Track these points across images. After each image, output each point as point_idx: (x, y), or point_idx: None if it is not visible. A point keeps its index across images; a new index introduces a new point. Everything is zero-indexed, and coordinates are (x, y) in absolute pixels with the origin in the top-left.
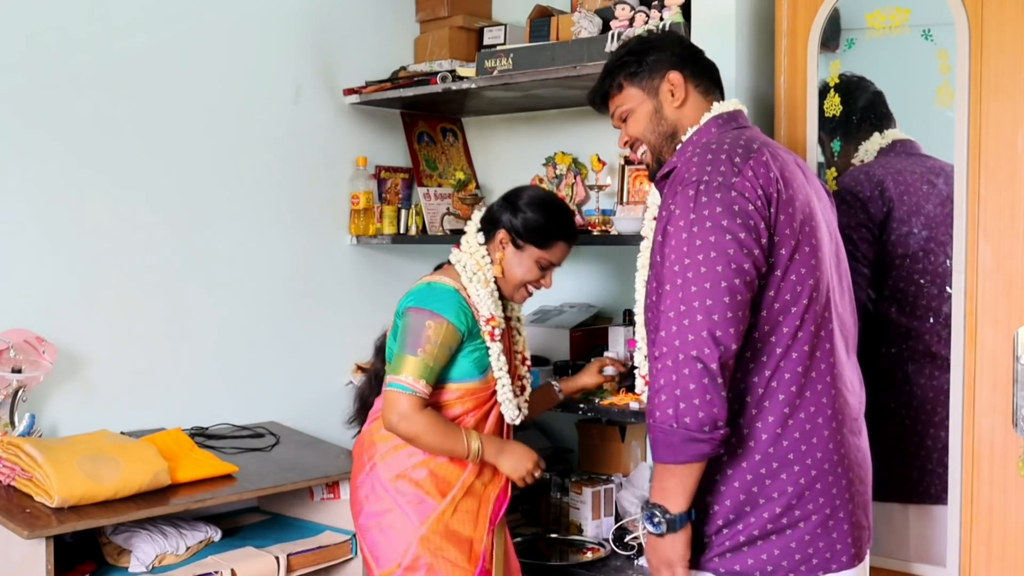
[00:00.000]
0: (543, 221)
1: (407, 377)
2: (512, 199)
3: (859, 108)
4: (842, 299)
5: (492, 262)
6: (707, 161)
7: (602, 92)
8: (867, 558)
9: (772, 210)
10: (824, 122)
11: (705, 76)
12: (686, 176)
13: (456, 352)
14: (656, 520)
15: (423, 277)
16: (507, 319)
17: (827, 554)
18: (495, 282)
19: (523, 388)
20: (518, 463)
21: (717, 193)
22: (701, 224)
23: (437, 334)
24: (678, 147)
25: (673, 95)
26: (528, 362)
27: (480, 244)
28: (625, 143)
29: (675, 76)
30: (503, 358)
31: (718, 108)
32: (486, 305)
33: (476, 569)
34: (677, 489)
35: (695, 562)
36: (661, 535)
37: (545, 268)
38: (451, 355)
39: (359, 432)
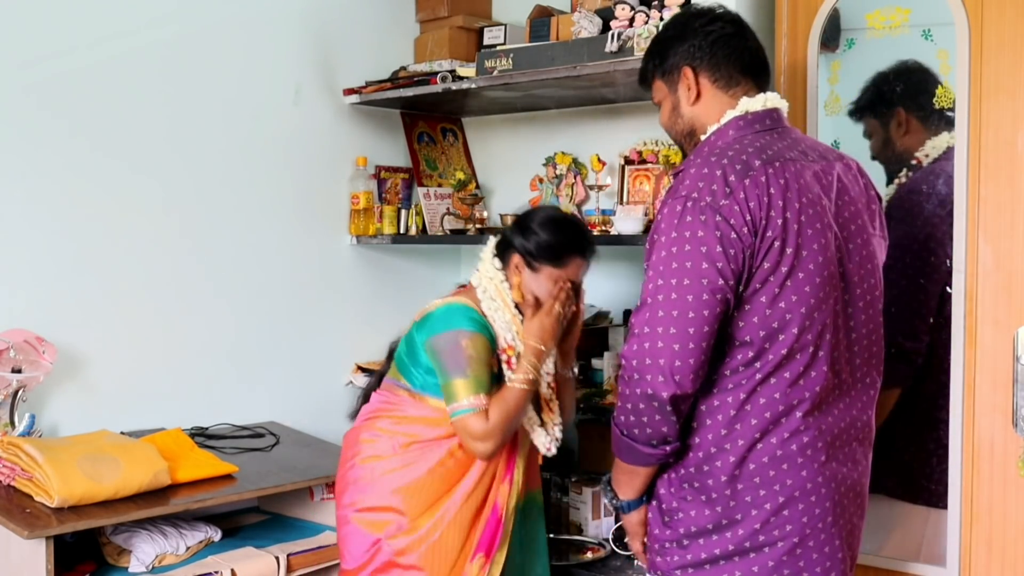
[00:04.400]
0: (554, 239)
1: (466, 400)
2: (523, 221)
3: (929, 97)
4: (861, 318)
5: (511, 287)
6: (702, 175)
7: (642, 79)
8: None
9: (760, 238)
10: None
11: (730, 67)
12: (679, 188)
13: (491, 367)
14: (610, 499)
15: (438, 301)
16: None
17: None
18: (516, 308)
19: (553, 411)
20: (540, 327)
21: (702, 215)
22: (681, 245)
23: (475, 348)
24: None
25: (689, 91)
26: (554, 384)
27: (498, 269)
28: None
29: (688, 72)
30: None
31: (744, 106)
32: (505, 332)
33: None
34: (625, 482)
35: (661, 565)
36: (617, 511)
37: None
38: (490, 370)
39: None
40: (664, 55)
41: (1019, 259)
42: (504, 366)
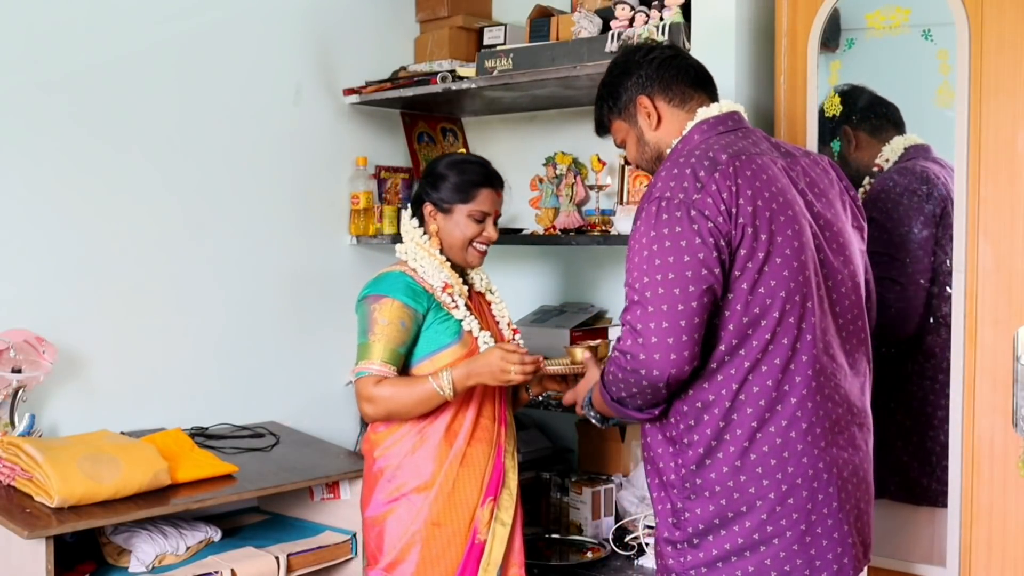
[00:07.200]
0: (457, 178)
1: (362, 363)
2: (427, 172)
3: (867, 111)
4: (845, 303)
5: (430, 237)
6: (672, 176)
7: (600, 127)
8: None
9: (734, 226)
10: (824, 122)
11: (681, 84)
12: (652, 191)
13: (420, 327)
14: (594, 417)
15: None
16: (478, 293)
17: (806, 571)
18: (443, 255)
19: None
20: (490, 365)
21: (677, 211)
22: (661, 243)
23: (383, 314)
24: None
25: (649, 118)
26: (514, 327)
27: (416, 227)
28: (634, 168)
29: (643, 100)
30: (474, 320)
31: (702, 114)
32: (436, 276)
33: (469, 540)
34: (607, 411)
35: (676, 567)
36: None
37: (481, 221)
38: (412, 331)
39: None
40: (616, 94)
41: (1019, 259)
42: (446, 306)
